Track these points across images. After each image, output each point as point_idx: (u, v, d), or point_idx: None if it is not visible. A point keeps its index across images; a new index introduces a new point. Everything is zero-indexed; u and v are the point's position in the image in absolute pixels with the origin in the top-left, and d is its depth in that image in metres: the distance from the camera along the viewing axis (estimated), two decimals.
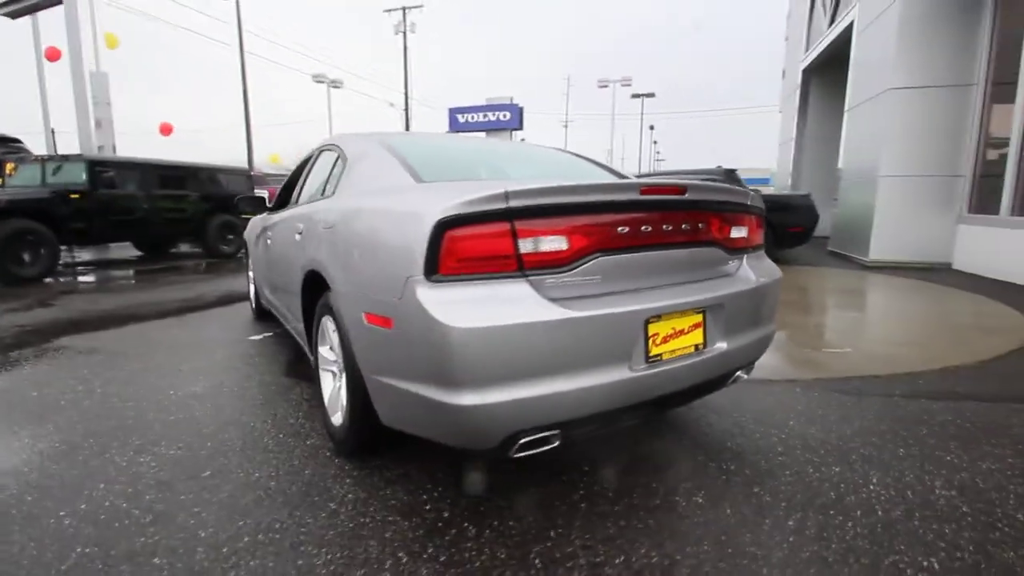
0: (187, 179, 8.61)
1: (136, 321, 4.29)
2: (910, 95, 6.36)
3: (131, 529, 1.55)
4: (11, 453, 2.03)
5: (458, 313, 1.31)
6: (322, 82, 24.12)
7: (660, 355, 1.59)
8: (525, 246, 1.39)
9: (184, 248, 10.95)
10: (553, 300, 1.41)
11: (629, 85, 29.17)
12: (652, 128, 37.66)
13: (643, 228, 1.59)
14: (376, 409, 1.69)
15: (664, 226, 1.64)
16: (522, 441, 1.42)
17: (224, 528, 1.56)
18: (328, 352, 2.15)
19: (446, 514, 1.63)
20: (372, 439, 1.88)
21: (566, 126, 56.85)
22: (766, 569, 1.37)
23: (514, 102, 34.84)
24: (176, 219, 8.54)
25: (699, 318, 1.69)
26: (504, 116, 34.61)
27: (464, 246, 1.34)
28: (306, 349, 2.54)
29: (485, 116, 34.95)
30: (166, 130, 18.30)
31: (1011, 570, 1.36)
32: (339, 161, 2.37)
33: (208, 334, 3.86)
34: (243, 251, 5.78)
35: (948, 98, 6.23)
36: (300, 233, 2.23)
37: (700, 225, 1.75)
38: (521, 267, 1.40)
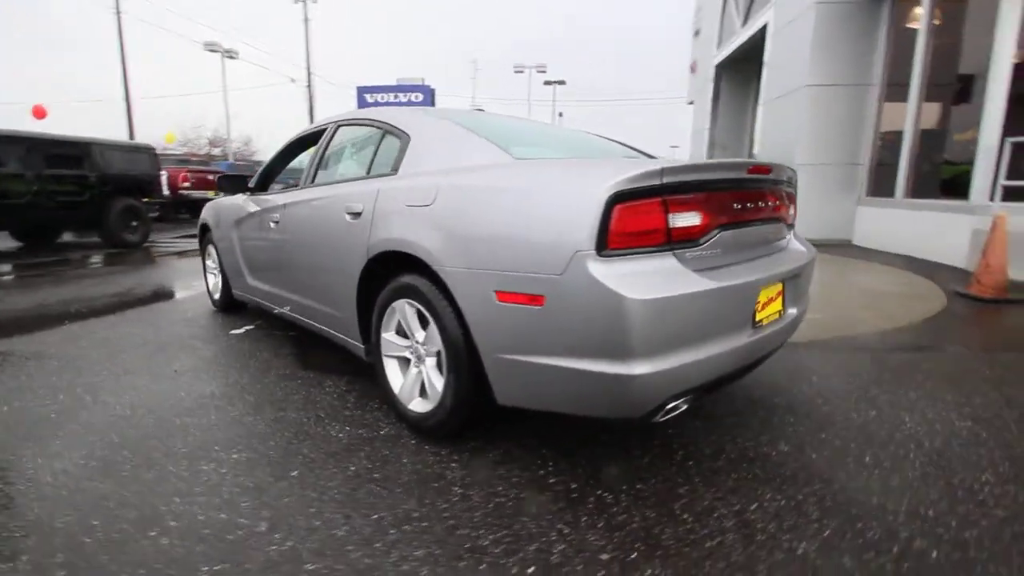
0: (82, 157, 7.45)
1: (73, 320, 3.72)
2: (821, 92, 7.21)
3: (252, 539, 1.42)
4: (32, 479, 1.72)
5: (632, 286, 1.35)
6: (215, 51, 21.69)
7: (762, 321, 1.74)
8: (673, 221, 1.46)
9: (71, 238, 9.52)
10: (696, 272, 1.50)
11: (544, 72, 29.65)
12: (561, 115, 38.63)
13: (748, 204, 1.72)
14: (493, 388, 1.68)
15: (759, 202, 1.78)
16: (669, 406, 1.50)
17: (363, 524, 1.47)
18: (395, 338, 2.06)
19: (574, 485, 1.67)
20: (472, 421, 1.86)
21: (480, 111, 56.41)
22: (875, 498, 1.59)
23: (425, 83, 34.14)
24: (69, 203, 7.38)
25: (781, 287, 1.86)
26: (416, 97, 33.49)
27: (628, 221, 1.38)
28: (339, 338, 2.40)
29: (396, 96, 33.55)
30: (39, 113, 15.54)
31: None
32: (388, 138, 2.24)
33: (173, 331, 3.45)
34: (198, 241, 5.17)
35: (852, 95, 7.15)
36: (356, 214, 2.09)
37: (776, 202, 1.91)
38: (669, 241, 1.46)
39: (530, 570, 1.30)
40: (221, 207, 3.69)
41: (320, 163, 2.67)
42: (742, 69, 11.52)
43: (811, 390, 2.41)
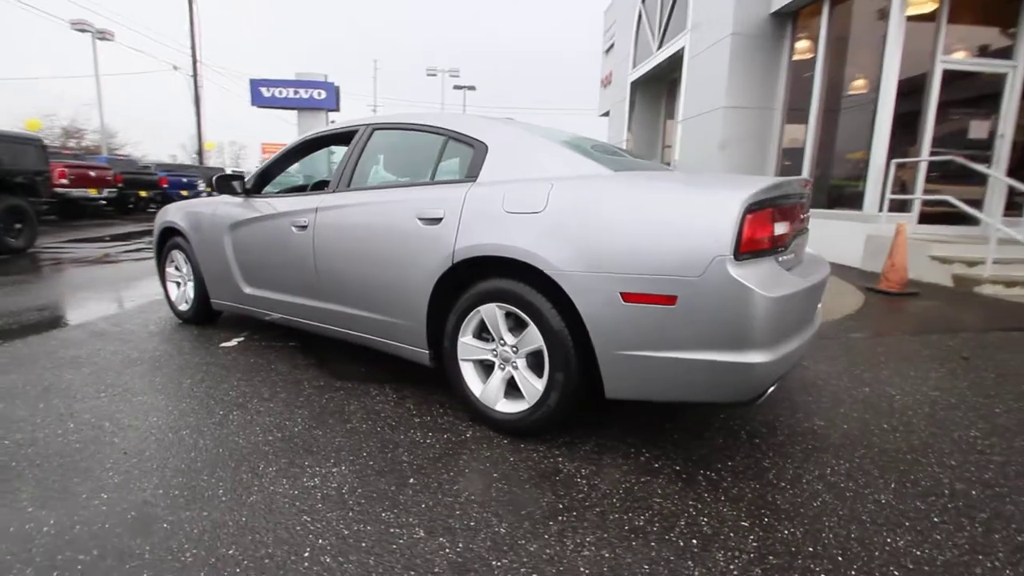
0: None
1: (18, 336, 3.18)
2: (735, 112, 8.13)
3: (420, 545, 1.42)
4: (97, 524, 1.54)
5: (762, 285, 1.56)
6: (85, 31, 18.87)
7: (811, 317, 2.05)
8: (776, 229, 1.70)
9: None
10: (787, 272, 1.75)
11: (457, 76, 29.61)
12: None
13: (801, 215, 2.02)
14: (605, 383, 1.80)
15: (803, 213, 2.09)
16: (769, 391, 1.74)
17: (517, 520, 1.53)
18: (474, 342, 2.11)
19: (677, 468, 1.85)
20: (569, 416, 1.96)
21: (375, 110, 54.95)
22: (909, 455, 1.95)
23: (329, 80, 32.54)
24: None
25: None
26: (319, 95, 31.79)
27: (754, 230, 1.59)
28: (393, 347, 2.36)
29: (296, 92, 31.63)
30: None
31: None
32: (454, 144, 2.27)
33: (152, 346, 3.10)
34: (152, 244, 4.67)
35: (760, 117, 8.15)
36: (434, 219, 2.09)
37: (806, 213, 2.25)
38: (773, 247, 1.70)
39: (693, 541, 1.45)
40: (199, 210, 3.37)
41: (357, 166, 2.59)
42: (655, 87, 12.54)
43: (810, 373, 2.82)
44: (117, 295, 4.59)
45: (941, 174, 6.39)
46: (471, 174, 2.14)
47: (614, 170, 1.94)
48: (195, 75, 27.53)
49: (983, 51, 6.31)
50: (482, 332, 2.11)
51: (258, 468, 1.79)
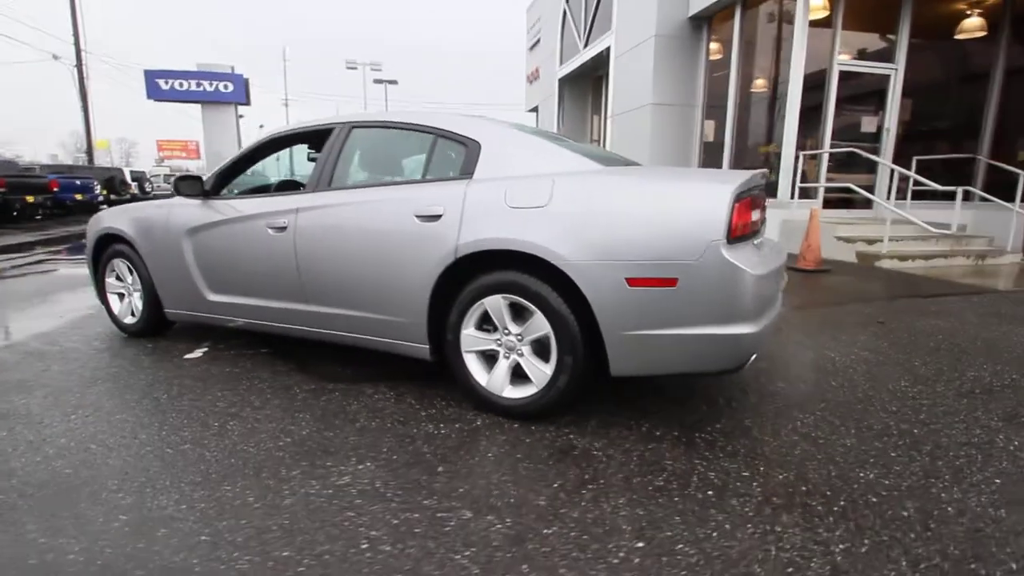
0: None
1: None
2: (661, 109, 8.66)
3: (531, 532, 1.50)
4: (129, 545, 1.48)
5: (749, 265, 1.78)
6: None
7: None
8: (752, 216, 1.93)
9: None
10: (760, 254, 1.99)
11: (379, 70, 28.73)
12: None
13: (763, 205, 2.28)
14: (611, 363, 1.96)
15: (764, 203, 2.36)
16: (752, 358, 1.97)
17: (553, 492, 1.65)
18: (476, 333, 2.19)
19: (676, 433, 2.04)
20: (577, 396, 2.10)
21: (287, 104, 52.25)
22: (860, 405, 2.28)
23: (236, 72, 30.39)
24: None
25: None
26: (225, 87, 29.90)
27: (740, 217, 1.80)
28: (389, 344, 2.38)
29: (199, 85, 29.56)
30: None
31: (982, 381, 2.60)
32: (444, 143, 2.32)
33: (102, 363, 2.87)
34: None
35: (683, 113, 8.73)
36: (434, 216, 2.14)
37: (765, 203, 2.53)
38: (751, 232, 1.93)
39: (709, 492, 1.65)
40: (148, 215, 3.15)
41: (337, 165, 2.56)
42: (582, 83, 12.99)
43: (773, 343, 3.14)
44: (36, 311, 4.14)
45: (839, 164, 7.22)
46: (466, 171, 2.21)
47: (603, 165, 2.09)
48: (79, 64, 24.82)
49: (871, 54, 7.18)
50: (483, 324, 2.20)
51: (280, 473, 1.77)
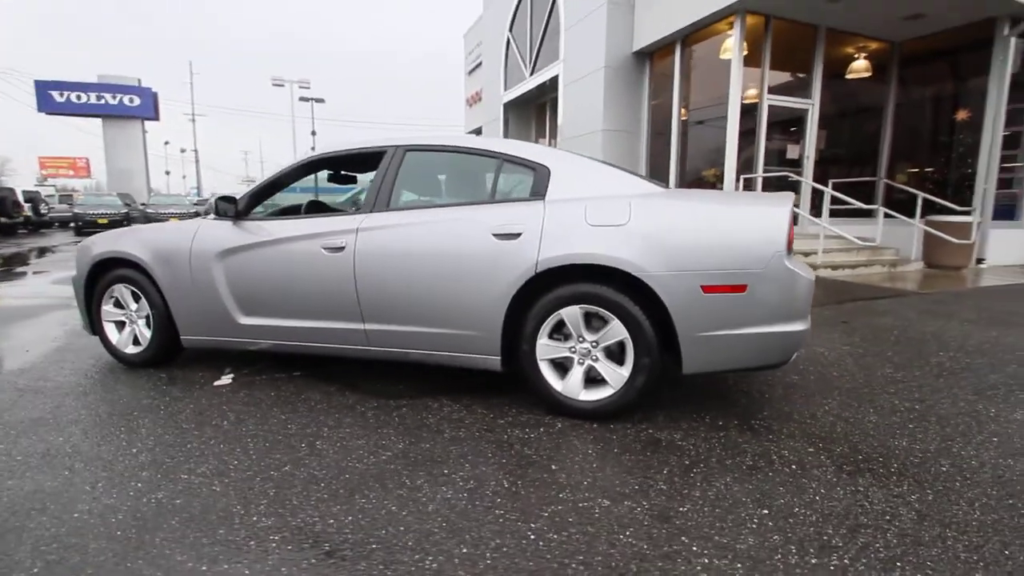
0: None
1: None
2: (611, 135, 9.28)
3: (686, 513, 1.66)
4: (305, 562, 1.51)
5: (804, 272, 2.11)
6: None
7: None
8: (793, 233, 2.28)
9: None
10: None
11: (308, 87, 27.80)
12: (315, 134, 36.86)
13: None
14: (684, 361, 2.21)
15: None
16: (797, 352, 2.30)
17: (665, 477, 1.85)
18: (550, 342, 2.36)
19: (736, 422, 2.32)
20: (650, 395, 2.32)
21: (193, 120, 49.31)
22: (873, 391, 2.70)
23: (143, 85, 28.21)
24: None
25: None
26: (131, 101, 27.74)
27: (791, 233, 2.14)
28: (459, 359, 2.48)
29: (100, 97, 27.20)
30: None
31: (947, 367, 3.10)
32: (511, 167, 2.50)
33: (116, 397, 2.70)
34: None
35: (632, 138, 9.42)
36: (512, 235, 2.29)
37: None
38: (793, 245, 2.28)
39: (793, 467, 1.92)
40: (167, 238, 3.01)
41: (393, 187, 2.64)
42: (526, 109, 13.53)
43: None
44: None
45: (771, 186, 8.12)
46: (537, 193, 2.40)
47: (663, 188, 2.37)
48: None
49: (793, 91, 8.20)
50: (554, 333, 2.37)
51: (405, 483, 1.83)
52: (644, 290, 2.19)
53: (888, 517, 1.61)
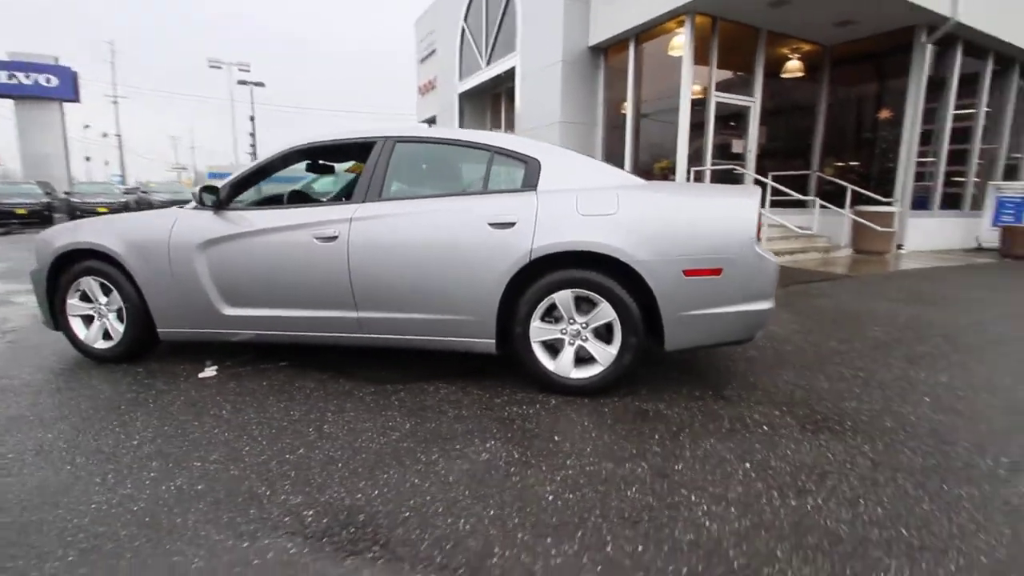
0: None
1: None
2: (569, 126, 9.50)
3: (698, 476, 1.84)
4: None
5: (771, 256, 2.36)
6: None
7: None
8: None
9: None
10: None
11: (247, 71, 26.33)
12: (253, 119, 35.13)
13: None
14: (666, 339, 2.42)
15: None
16: (762, 329, 2.57)
17: (658, 443, 2.05)
18: (543, 325, 2.51)
19: (710, 392, 2.56)
20: (633, 371, 2.52)
21: (115, 102, 45.96)
22: (845, 358, 3.02)
23: (60, 63, 25.85)
24: None
25: None
26: (48, 81, 25.44)
27: (760, 221, 2.38)
28: (453, 343, 2.59)
29: (12, 77, 24.79)
30: None
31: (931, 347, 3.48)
32: (502, 159, 2.61)
33: (97, 392, 2.63)
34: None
35: (588, 130, 9.68)
36: (507, 224, 2.41)
37: None
38: (759, 233, 2.53)
39: (764, 428, 2.17)
40: (141, 226, 2.92)
41: (384, 177, 2.69)
42: (481, 99, 13.55)
43: None
44: None
45: (719, 178, 8.62)
46: (528, 185, 2.53)
47: (644, 180, 2.56)
48: None
49: (737, 89, 8.70)
50: (545, 316, 2.52)
51: (421, 459, 1.93)
52: (631, 275, 2.38)
53: (849, 465, 1.88)
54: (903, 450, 2.00)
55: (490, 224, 2.46)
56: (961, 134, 9.17)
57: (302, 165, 3.36)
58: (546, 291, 2.46)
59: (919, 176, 8.78)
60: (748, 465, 1.87)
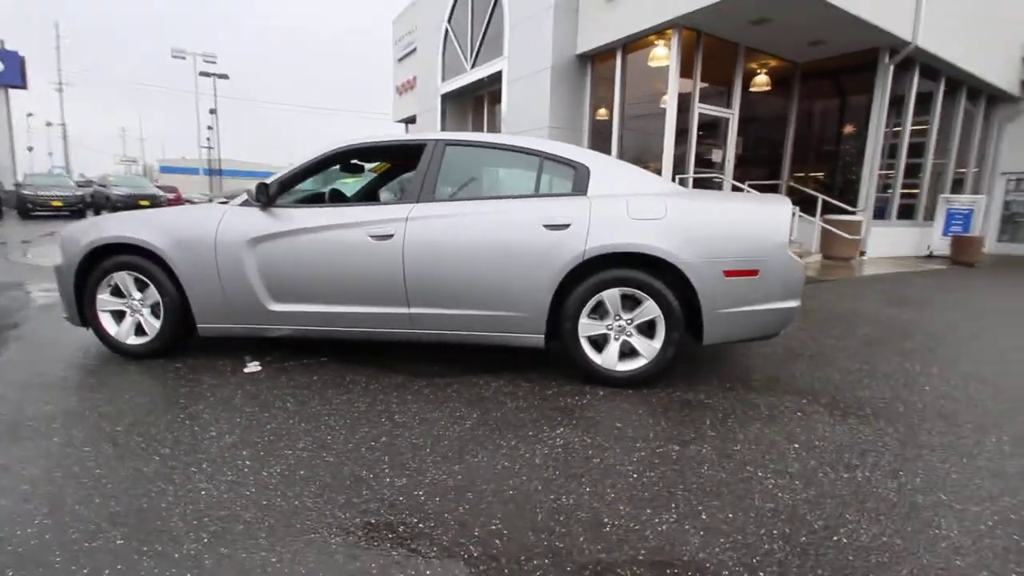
0: None
1: None
2: (557, 132, 9.72)
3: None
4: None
5: (800, 258, 2.61)
6: None
7: None
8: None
9: None
10: None
11: (213, 62, 25.29)
12: (214, 111, 33.92)
13: None
14: (705, 334, 2.63)
15: None
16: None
17: (709, 426, 2.25)
18: (590, 320, 2.68)
19: (740, 382, 2.80)
20: (671, 365, 2.73)
21: (60, 89, 43.57)
22: (841, 349, 3.32)
23: (6, 48, 24.21)
24: None
25: None
26: None
27: (791, 228, 2.63)
28: (506, 338, 2.73)
29: None
30: None
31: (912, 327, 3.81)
32: (552, 165, 2.78)
33: (140, 390, 2.64)
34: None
35: (574, 136, 9.93)
36: (562, 226, 2.57)
37: None
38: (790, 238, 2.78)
39: (798, 413, 2.41)
40: (185, 222, 2.92)
41: (437, 179, 2.80)
42: (463, 101, 13.63)
43: None
44: None
45: (701, 186, 9.04)
46: (578, 189, 2.70)
47: (684, 188, 2.77)
48: None
49: (717, 101, 9.14)
50: (591, 313, 2.70)
51: (501, 444, 2.07)
52: (675, 274, 2.58)
53: (880, 444, 2.13)
54: (920, 431, 2.27)
55: (545, 226, 2.61)
56: (916, 149, 9.93)
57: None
58: (596, 289, 2.63)
59: (880, 187, 9.45)
60: (796, 445, 2.10)
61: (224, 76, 27.78)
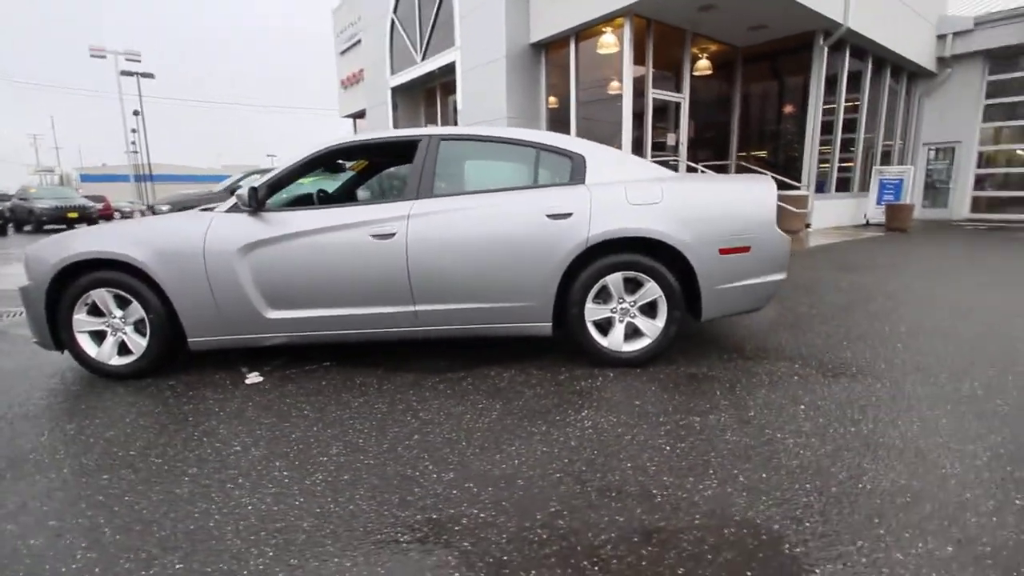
0: None
1: None
2: (514, 121, 9.74)
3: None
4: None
5: (784, 235, 2.79)
6: None
7: None
8: None
9: None
10: None
11: (138, 60, 23.49)
12: (137, 113, 31.77)
13: None
14: (703, 310, 2.77)
15: None
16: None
17: (716, 404, 2.39)
18: (595, 305, 2.78)
19: (746, 354, 2.96)
20: (673, 343, 2.85)
21: None
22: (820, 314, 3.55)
23: None
24: None
25: None
26: None
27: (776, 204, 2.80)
28: (513, 328, 2.78)
29: None
30: None
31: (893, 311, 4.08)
32: (548, 155, 2.83)
33: (149, 409, 2.52)
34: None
35: (532, 124, 9.98)
36: (564, 215, 2.63)
37: None
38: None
39: (795, 378, 2.59)
40: (171, 232, 2.77)
41: (434, 174, 2.79)
42: (414, 94, 13.40)
43: None
44: None
45: None
46: (576, 178, 2.76)
47: (675, 173, 2.89)
48: None
49: (670, 86, 9.43)
50: (595, 297, 2.78)
51: (533, 431, 2.12)
52: (674, 255, 2.70)
53: (874, 399, 2.34)
54: (905, 384, 2.50)
55: (547, 215, 2.67)
56: (849, 125, 10.61)
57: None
58: (599, 274, 2.71)
59: (819, 163, 10.06)
60: (802, 407, 2.27)
61: (149, 75, 26.00)
